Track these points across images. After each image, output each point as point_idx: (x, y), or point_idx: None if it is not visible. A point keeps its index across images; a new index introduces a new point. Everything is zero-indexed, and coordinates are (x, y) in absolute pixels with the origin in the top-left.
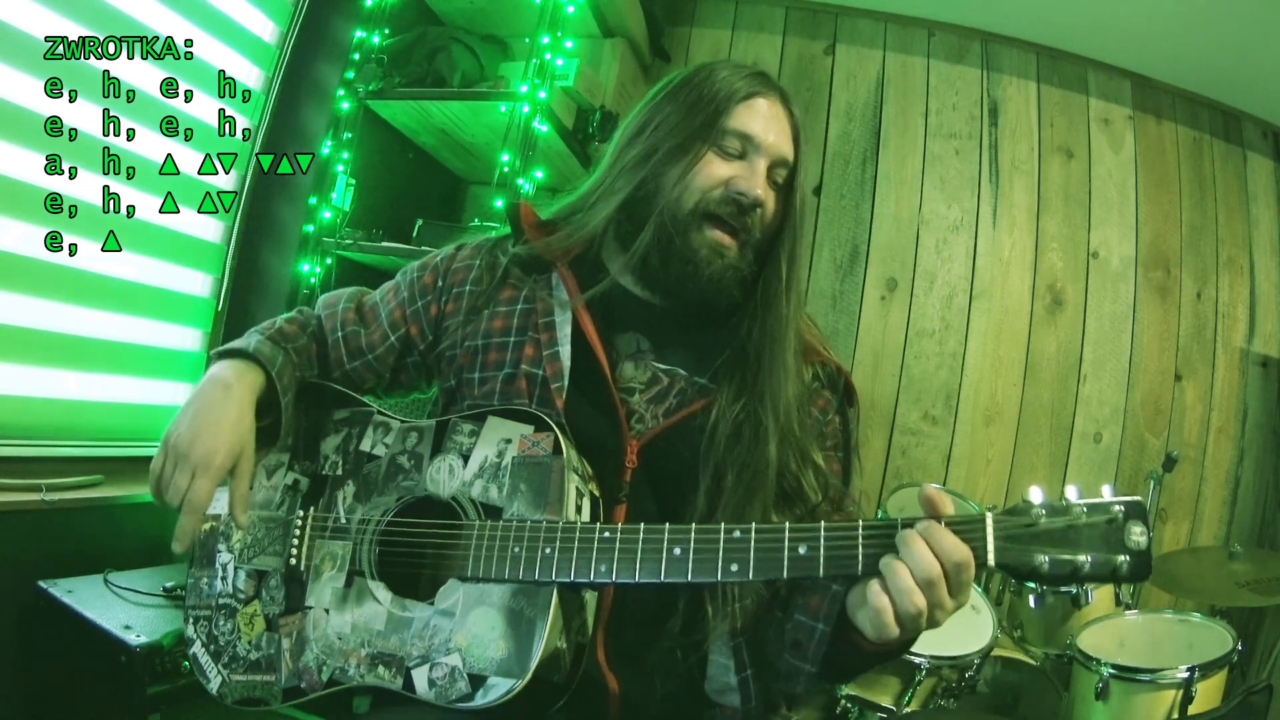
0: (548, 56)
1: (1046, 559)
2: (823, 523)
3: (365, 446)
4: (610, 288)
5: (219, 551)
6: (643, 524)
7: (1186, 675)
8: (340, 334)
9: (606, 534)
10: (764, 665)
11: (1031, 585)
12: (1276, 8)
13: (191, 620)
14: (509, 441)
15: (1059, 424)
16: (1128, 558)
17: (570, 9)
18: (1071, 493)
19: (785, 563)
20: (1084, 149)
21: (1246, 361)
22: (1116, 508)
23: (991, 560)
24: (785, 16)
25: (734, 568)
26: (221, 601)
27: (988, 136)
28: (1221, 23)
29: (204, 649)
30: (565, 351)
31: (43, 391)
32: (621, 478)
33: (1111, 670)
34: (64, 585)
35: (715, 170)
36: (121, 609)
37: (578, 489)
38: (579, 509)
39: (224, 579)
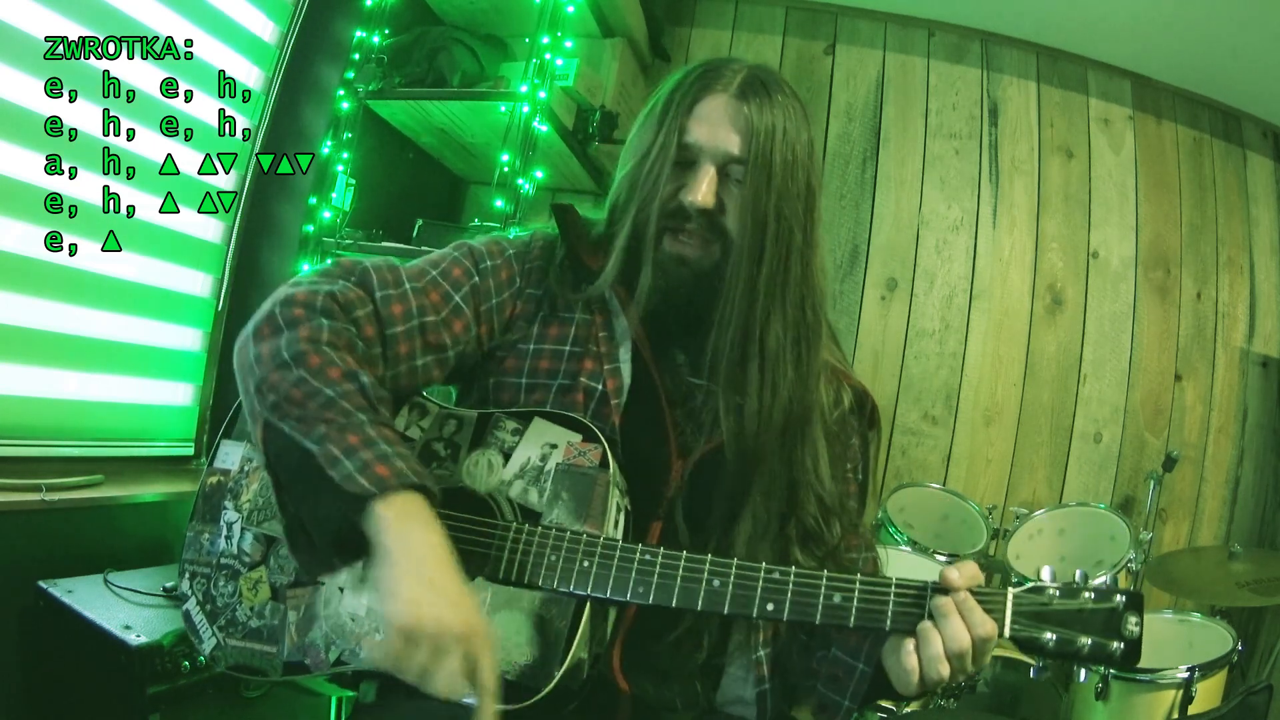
0: (548, 56)
1: (1053, 637)
2: (859, 576)
3: (399, 426)
4: (653, 305)
5: (225, 509)
6: (684, 552)
7: (1186, 675)
8: (414, 323)
9: (647, 556)
10: (779, 681)
11: (1033, 659)
12: (1276, 8)
13: (187, 575)
14: (554, 446)
15: (1059, 424)
16: (1121, 645)
17: (570, 9)
18: (1079, 575)
19: (820, 609)
20: (1084, 149)
21: (1246, 361)
22: (1119, 598)
23: (1006, 633)
24: (785, 16)
25: (770, 607)
26: (223, 561)
27: (988, 136)
28: (1221, 23)
29: (199, 607)
30: (627, 369)
31: (43, 391)
32: (664, 496)
33: (1111, 670)
34: (64, 585)
35: (670, 187)
36: (121, 609)
37: (618, 504)
38: (617, 524)
39: (228, 538)
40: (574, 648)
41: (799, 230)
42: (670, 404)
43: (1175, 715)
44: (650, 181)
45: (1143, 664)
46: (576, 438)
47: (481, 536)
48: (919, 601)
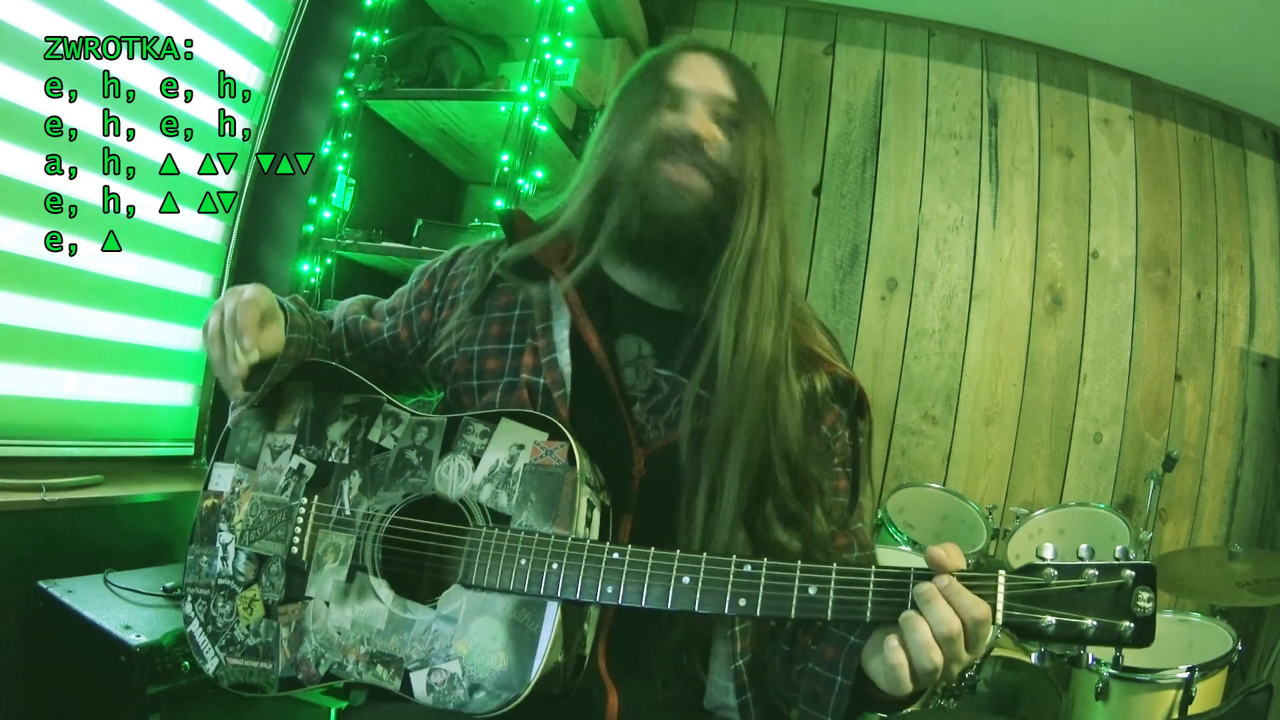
0: (548, 56)
1: (1053, 621)
2: (835, 565)
3: (374, 437)
4: (608, 289)
5: (220, 530)
6: (653, 548)
7: (1186, 675)
8: (344, 324)
9: (615, 555)
10: (764, 691)
11: (1032, 645)
12: (1276, 8)
13: (190, 598)
14: (521, 447)
15: (1059, 424)
16: (1132, 624)
17: (570, 9)
18: (1084, 550)
19: (794, 603)
20: (1084, 149)
21: (1246, 361)
22: (1128, 572)
23: (999, 619)
24: (785, 16)
25: (742, 602)
26: (221, 582)
27: (988, 136)
28: (1221, 23)
29: (201, 629)
30: (564, 358)
31: (43, 391)
32: (630, 488)
33: (1111, 670)
34: (64, 585)
35: (655, 122)
36: (121, 609)
37: (589, 501)
38: (589, 521)
39: (224, 559)
40: (548, 651)
41: (782, 182)
42: (625, 394)
43: (1175, 715)
44: (631, 128)
45: (1143, 664)
46: (543, 436)
47: (453, 544)
48: (901, 590)
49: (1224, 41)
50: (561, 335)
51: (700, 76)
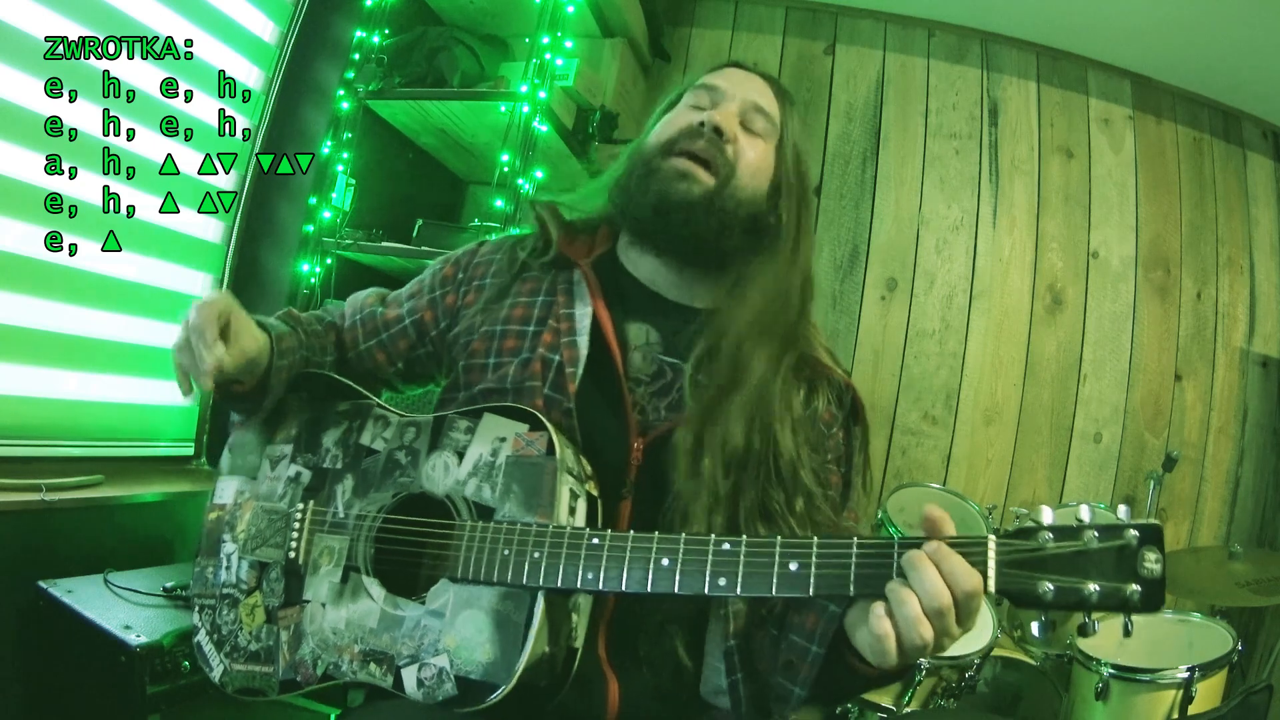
0: (548, 56)
1: (1052, 587)
2: (815, 538)
3: (365, 440)
4: (624, 279)
5: (224, 541)
6: (632, 532)
7: (1186, 675)
8: (358, 317)
9: (595, 540)
10: (754, 673)
11: (1034, 613)
12: (1276, 8)
13: (197, 608)
14: (503, 440)
15: (1059, 424)
16: (1139, 587)
17: (570, 9)
18: (1084, 513)
19: (775, 579)
20: (1084, 149)
21: (1246, 361)
22: (1131, 532)
23: (992, 587)
24: (785, 16)
25: (721, 581)
26: (225, 591)
27: (988, 136)
28: (1221, 23)
29: (208, 637)
30: (583, 341)
31: (43, 391)
32: (627, 474)
33: (1111, 670)
34: (64, 585)
35: (684, 117)
36: (121, 609)
37: (571, 490)
38: (572, 511)
39: (228, 569)
40: (533, 642)
41: (810, 197)
42: (632, 381)
43: (1175, 715)
44: (662, 124)
45: (1142, 664)
46: (524, 428)
47: (440, 540)
48: (885, 559)
49: (1224, 41)
50: (584, 323)
51: (738, 83)
